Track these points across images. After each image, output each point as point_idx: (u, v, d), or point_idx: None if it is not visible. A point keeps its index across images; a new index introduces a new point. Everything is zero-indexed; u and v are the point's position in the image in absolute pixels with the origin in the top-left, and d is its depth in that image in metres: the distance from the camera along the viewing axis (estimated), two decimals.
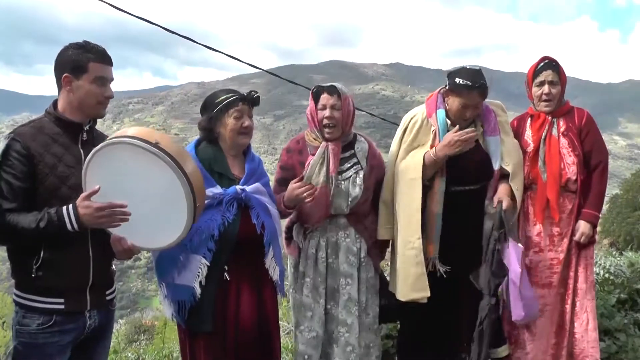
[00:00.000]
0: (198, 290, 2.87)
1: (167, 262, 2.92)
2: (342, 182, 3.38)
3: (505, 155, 3.53)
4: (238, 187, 2.98)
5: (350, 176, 3.41)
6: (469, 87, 3.33)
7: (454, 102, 3.43)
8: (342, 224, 3.43)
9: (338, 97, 3.34)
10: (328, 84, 3.39)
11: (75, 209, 2.34)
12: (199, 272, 2.87)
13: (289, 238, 3.50)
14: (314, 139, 3.42)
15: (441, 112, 3.50)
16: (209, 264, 2.88)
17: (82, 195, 2.36)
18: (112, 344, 5.40)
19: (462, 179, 3.48)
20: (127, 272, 75.25)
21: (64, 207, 2.36)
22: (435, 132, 3.48)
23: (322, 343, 3.40)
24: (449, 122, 3.49)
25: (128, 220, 2.37)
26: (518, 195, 3.52)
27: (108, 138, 2.47)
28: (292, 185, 3.20)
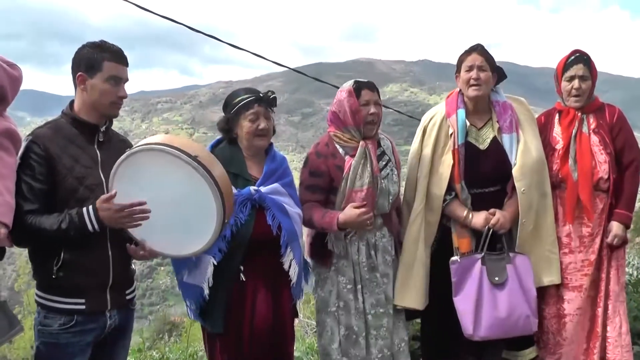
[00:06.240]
0: (206, 291, 2.87)
1: (179, 261, 2.94)
2: (383, 181, 3.31)
3: (518, 153, 3.42)
4: (252, 188, 2.96)
5: (388, 174, 3.36)
6: (468, 50, 3.47)
7: (463, 77, 3.45)
8: (378, 225, 3.37)
9: (378, 93, 3.31)
10: (365, 80, 3.34)
11: (95, 209, 2.36)
12: (208, 272, 2.87)
13: (318, 245, 3.36)
14: (349, 139, 3.29)
15: (461, 113, 3.45)
16: (215, 264, 2.87)
17: (101, 198, 2.38)
18: (136, 343, 5.46)
19: (480, 181, 3.43)
20: (156, 269, 76.27)
21: (84, 209, 2.38)
22: (454, 135, 3.43)
23: (355, 343, 3.29)
24: (468, 123, 3.45)
25: (148, 218, 2.37)
26: (525, 199, 3.39)
27: (143, 142, 2.47)
28: (354, 210, 3.12)
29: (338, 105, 3.31)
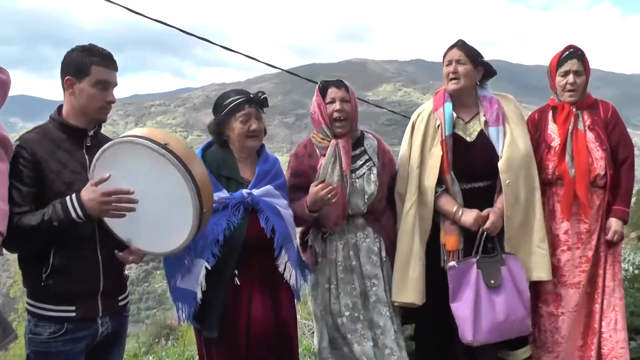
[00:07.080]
0: (199, 295, 2.84)
1: (172, 265, 2.91)
2: (357, 180, 3.29)
3: (505, 146, 3.40)
4: (245, 191, 2.93)
5: (364, 173, 3.32)
6: (449, 47, 3.48)
7: (443, 72, 3.47)
8: (359, 225, 3.34)
9: (346, 90, 3.29)
10: (334, 79, 3.35)
11: (78, 197, 2.31)
12: (201, 276, 2.83)
13: (305, 244, 3.41)
14: (322, 138, 3.31)
15: (448, 106, 3.45)
16: (209, 268, 2.83)
17: (90, 182, 2.34)
18: (132, 348, 5.43)
19: (470, 174, 3.40)
20: (152, 273, 76.13)
21: (67, 197, 2.33)
22: (441, 126, 3.42)
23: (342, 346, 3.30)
24: (454, 115, 3.44)
25: (134, 210, 2.32)
26: (510, 191, 3.35)
27: (117, 137, 2.44)
28: (314, 188, 3.08)
29: (312, 106, 3.35)
